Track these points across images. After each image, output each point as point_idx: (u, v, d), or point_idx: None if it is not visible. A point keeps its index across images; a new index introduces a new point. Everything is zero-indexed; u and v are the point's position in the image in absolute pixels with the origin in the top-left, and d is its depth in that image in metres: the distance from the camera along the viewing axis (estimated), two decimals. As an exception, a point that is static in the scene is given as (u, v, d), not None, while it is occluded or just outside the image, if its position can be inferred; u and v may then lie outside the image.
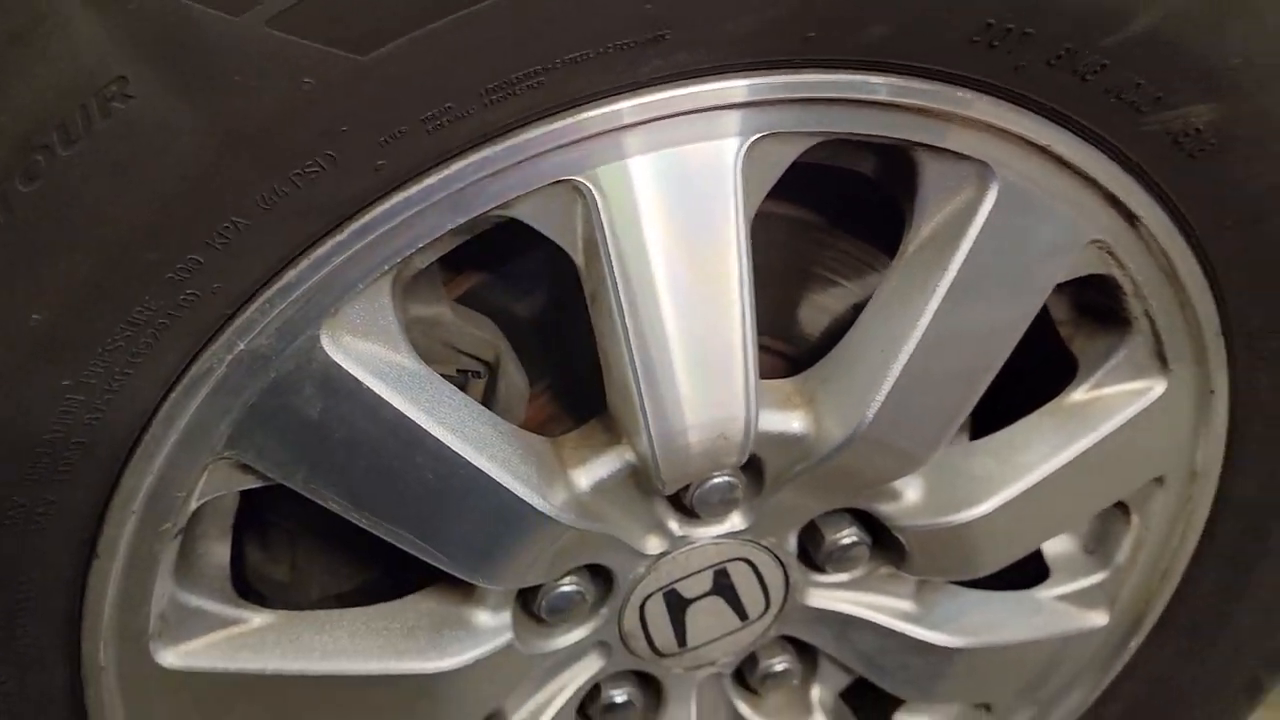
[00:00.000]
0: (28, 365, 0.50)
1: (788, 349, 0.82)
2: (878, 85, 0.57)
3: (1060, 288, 0.75)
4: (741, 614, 0.80)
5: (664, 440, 0.64)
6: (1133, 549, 0.88)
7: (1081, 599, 0.91)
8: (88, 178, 0.46)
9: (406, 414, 0.60)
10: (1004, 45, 0.55)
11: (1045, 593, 0.91)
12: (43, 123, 0.44)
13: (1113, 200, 0.65)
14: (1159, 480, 0.83)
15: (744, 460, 0.69)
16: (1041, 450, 0.77)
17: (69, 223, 0.47)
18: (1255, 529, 0.85)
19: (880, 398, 0.68)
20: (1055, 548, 0.92)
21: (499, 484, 0.64)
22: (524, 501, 0.65)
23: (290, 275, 0.54)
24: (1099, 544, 0.91)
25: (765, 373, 0.75)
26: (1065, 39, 0.55)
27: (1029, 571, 0.92)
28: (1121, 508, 0.87)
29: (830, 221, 0.79)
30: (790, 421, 0.71)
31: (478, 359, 0.71)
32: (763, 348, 0.81)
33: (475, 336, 0.70)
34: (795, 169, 0.62)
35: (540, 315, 0.77)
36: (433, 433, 0.61)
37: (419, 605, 0.74)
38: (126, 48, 0.43)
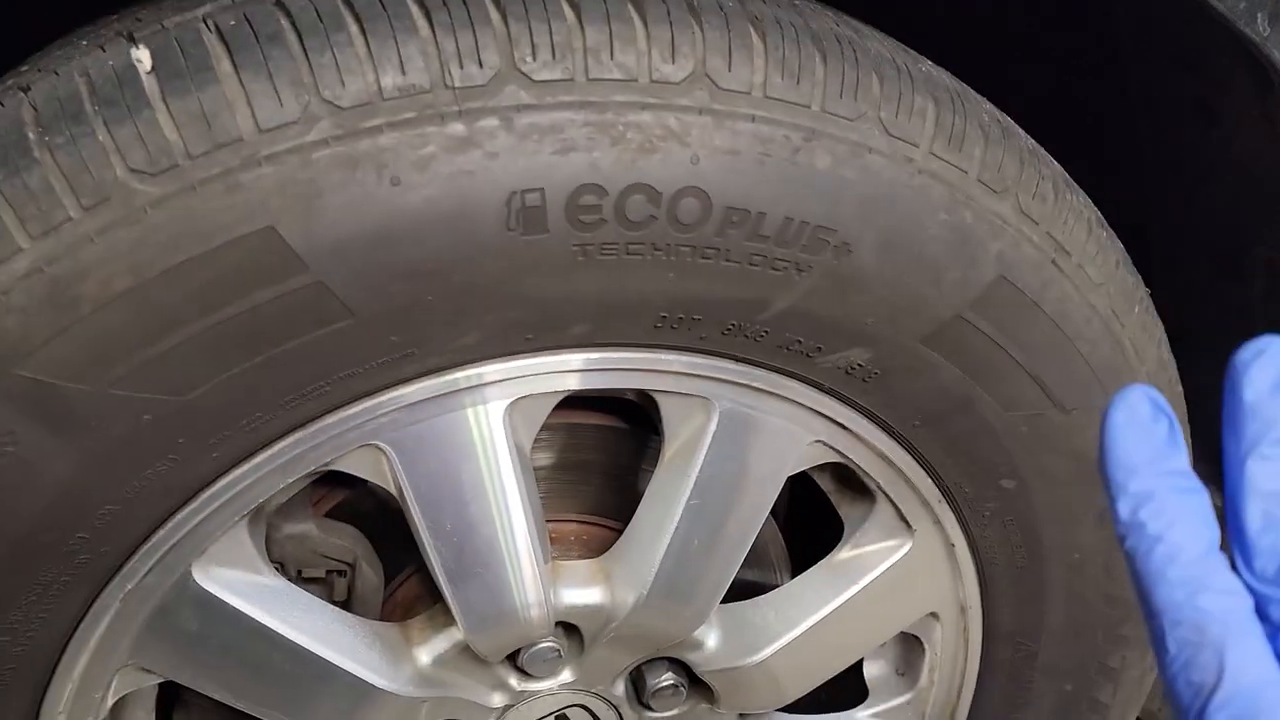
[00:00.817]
0: (-35, 620, 0.69)
1: (619, 526, 1.00)
2: (595, 359, 0.75)
3: (823, 466, 0.92)
4: (587, 749, 0.97)
5: (472, 627, 0.82)
6: (929, 671, 1.04)
7: (895, 715, 1.06)
8: (-5, 496, 0.65)
9: (264, 622, 0.79)
10: (682, 325, 0.74)
11: (864, 712, 1.07)
12: (-41, 467, 0.63)
13: (819, 413, 0.83)
14: (934, 615, 0.99)
15: (551, 630, 0.86)
16: (813, 601, 0.94)
17: (-16, 526, 0.66)
18: (1021, 647, 1.00)
19: (653, 571, 0.85)
20: (873, 671, 1.08)
21: (344, 670, 0.81)
22: (367, 682, 0.82)
23: (160, 534, 0.72)
24: (907, 667, 1.07)
25: (604, 546, 0.92)
26: (728, 319, 0.74)
27: (854, 692, 1.08)
28: (915, 637, 1.03)
29: (640, 425, 0.97)
30: (592, 594, 0.88)
31: (341, 561, 0.89)
32: (600, 526, 1.00)
33: (337, 545, 0.88)
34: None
35: (401, 515, 0.95)
36: (287, 635, 0.79)
37: (308, 762, 0.91)
38: (14, 412, 0.62)
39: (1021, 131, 0.80)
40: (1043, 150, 0.81)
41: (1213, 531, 0.40)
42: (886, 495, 0.91)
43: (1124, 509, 0.40)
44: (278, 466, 0.73)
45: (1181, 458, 0.41)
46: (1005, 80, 0.83)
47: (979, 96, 0.78)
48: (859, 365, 0.79)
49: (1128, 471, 0.40)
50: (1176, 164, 1.04)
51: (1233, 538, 0.41)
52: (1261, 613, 0.40)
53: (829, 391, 0.81)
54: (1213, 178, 1.00)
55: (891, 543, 0.94)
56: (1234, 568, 0.40)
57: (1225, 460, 0.41)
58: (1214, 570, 0.39)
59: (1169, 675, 0.38)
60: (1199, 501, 0.40)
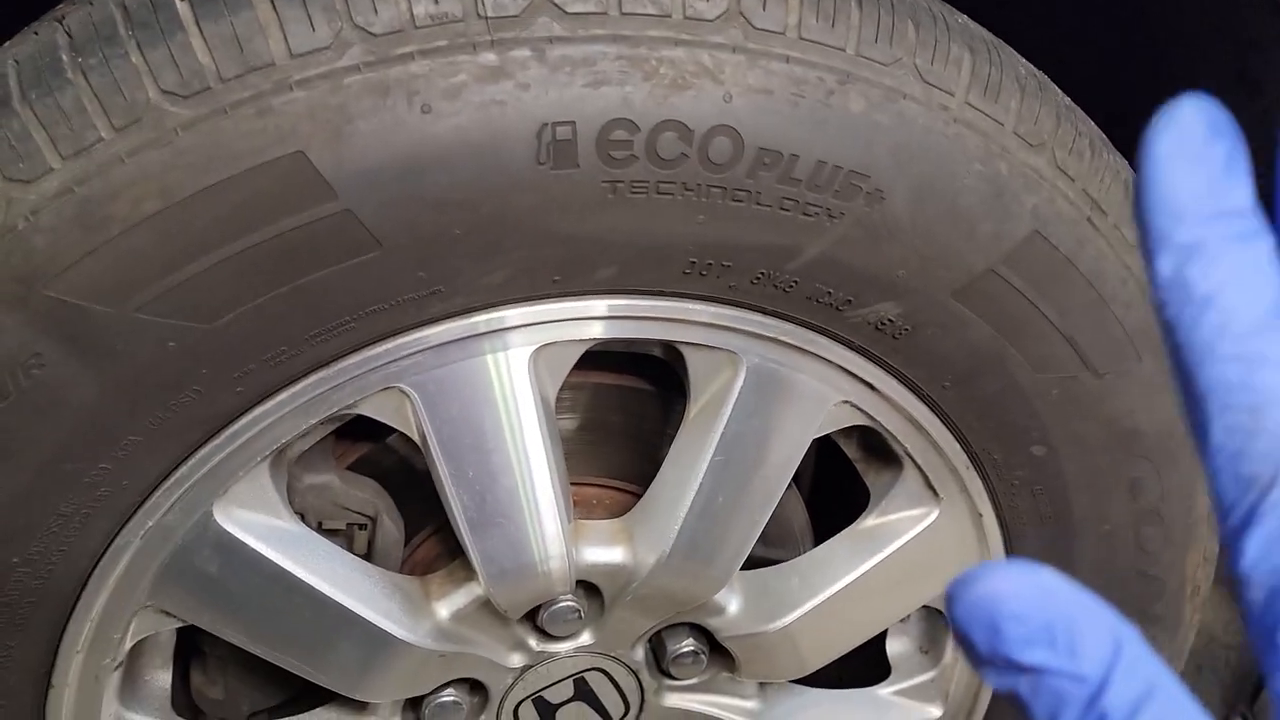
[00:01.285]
0: (-14, 549, 0.69)
1: (641, 491, 0.99)
2: (621, 306, 0.74)
3: (850, 431, 0.91)
4: (605, 716, 0.96)
5: (492, 579, 0.81)
6: (954, 648, 1.02)
7: (917, 693, 1.05)
8: (19, 419, 0.65)
9: (285, 567, 0.78)
10: (711, 272, 0.73)
11: (886, 689, 1.05)
12: (-17, 387, 0.63)
13: (847, 371, 0.82)
14: (959, 588, 0.98)
15: (572, 588, 0.85)
16: (838, 568, 0.93)
17: (7, 450, 0.66)
18: (1048, 627, 0.98)
19: (675, 531, 0.84)
20: (896, 647, 1.07)
21: (363, 618, 0.81)
22: (386, 631, 0.82)
23: (182, 471, 0.72)
24: (931, 644, 1.05)
25: (620, 510, 0.92)
26: (758, 267, 0.73)
27: (876, 669, 1.06)
28: (941, 613, 1.01)
29: (664, 388, 0.96)
30: (614, 553, 0.87)
31: (362, 514, 0.89)
32: (621, 490, 0.99)
33: (359, 497, 0.88)
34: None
35: (424, 472, 0.95)
36: (307, 580, 0.79)
37: (324, 716, 0.91)
38: (40, 333, 0.62)
39: (1057, 88, 0.79)
40: (1079, 109, 0.80)
41: (1275, 291, 0.30)
42: (914, 461, 0.89)
43: (1165, 266, 0.30)
44: (301, 405, 0.73)
45: (1243, 192, 0.30)
46: (1039, 51, 0.82)
47: (1014, 52, 0.77)
48: (889, 320, 0.77)
49: (1173, 217, 0.30)
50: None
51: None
52: None
53: (858, 349, 0.80)
54: (1253, 149, 0.98)
55: (918, 511, 0.92)
56: None
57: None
58: (1276, 340, 0.30)
59: (1213, 467, 0.30)
60: (1261, 250, 0.30)
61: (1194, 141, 0.29)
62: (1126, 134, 0.84)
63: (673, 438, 0.93)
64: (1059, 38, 0.91)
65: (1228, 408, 0.29)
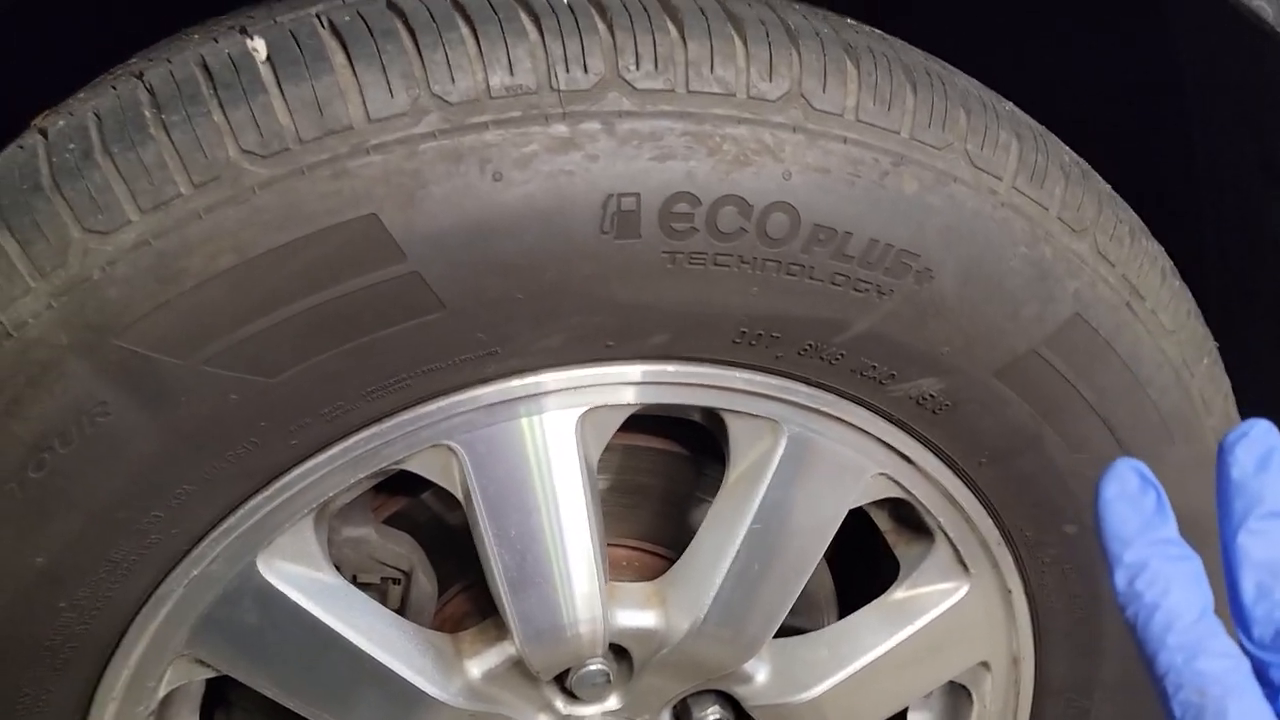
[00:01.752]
0: (33, 592, 0.69)
1: (671, 554, 0.99)
2: (670, 372, 0.76)
3: (882, 502, 0.92)
4: (628, 781, 0.95)
5: (527, 639, 0.81)
6: (976, 723, 1.02)
7: (939, 769, 1.04)
8: (79, 465, 0.65)
9: (323, 620, 0.78)
10: (760, 342, 0.74)
11: (907, 764, 1.05)
12: (48, 433, 0.64)
13: (885, 444, 0.83)
14: (985, 665, 0.98)
15: (603, 651, 0.86)
16: (867, 640, 0.93)
17: (65, 495, 0.66)
18: (1073, 704, 0.98)
19: (710, 597, 0.84)
20: (917, 720, 1.06)
21: (397, 674, 0.81)
22: (418, 688, 0.82)
23: (231, 521, 0.73)
24: (953, 718, 1.05)
25: (653, 575, 0.92)
26: (806, 339, 0.74)
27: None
28: (964, 688, 1.01)
29: (698, 452, 0.97)
30: (646, 617, 0.87)
31: (397, 569, 0.89)
32: (652, 554, 0.99)
33: (395, 552, 0.88)
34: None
35: (458, 528, 0.95)
36: (344, 634, 0.79)
37: (349, 771, 0.90)
38: (108, 382, 0.63)
39: (1099, 176, 0.81)
40: (1119, 196, 0.82)
41: (1206, 596, 0.43)
42: (946, 535, 0.90)
43: (1121, 580, 0.44)
44: (351, 460, 0.74)
45: (1170, 526, 0.45)
46: (1078, 139, 0.84)
47: (1058, 140, 0.79)
48: (930, 396, 0.79)
49: (1122, 543, 0.44)
50: (1240, 226, 1.05)
51: (1231, 607, 0.44)
52: (1261, 676, 0.43)
53: (898, 422, 0.81)
54: (1275, 239, 1.00)
55: (948, 585, 0.93)
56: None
57: (1220, 535, 0.45)
58: (1210, 634, 0.42)
59: None
60: (1191, 568, 0.44)
61: (1131, 489, 0.45)
62: (1160, 219, 0.86)
63: (704, 501, 0.94)
64: (1095, 126, 0.94)
65: (1180, 686, 0.41)
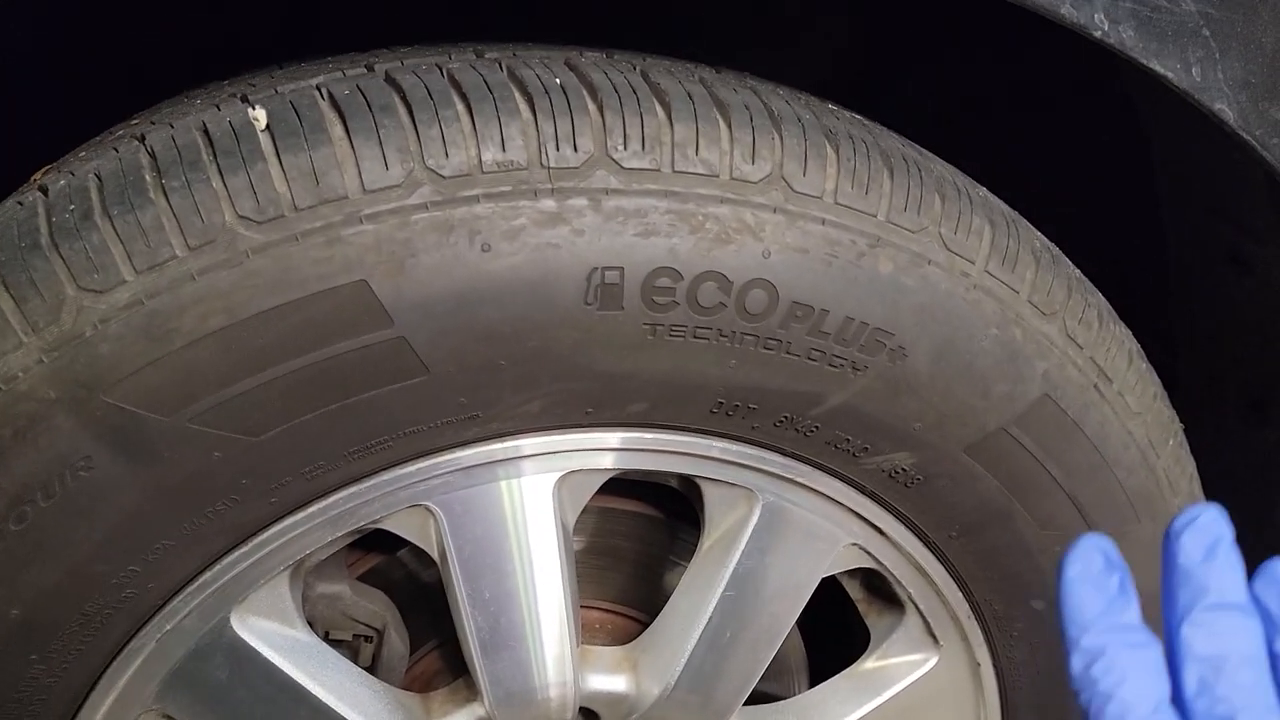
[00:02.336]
0: (5, 644, 0.69)
1: (644, 618, 1.00)
2: (648, 439, 0.77)
3: (854, 572, 0.93)
4: (594, 845, 0.95)
5: (498, 701, 0.82)
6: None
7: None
8: (60, 519, 0.66)
9: (294, 678, 0.78)
10: (737, 413, 0.76)
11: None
12: (31, 486, 0.65)
13: (858, 515, 0.84)
14: (953, 736, 0.99)
15: (573, 715, 0.86)
16: (836, 710, 0.93)
17: (44, 548, 0.67)
18: (1042, 778, 0.99)
19: (682, 664, 0.85)
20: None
21: (367, 734, 0.81)
22: (387, 749, 0.82)
23: (207, 576, 0.73)
24: (920, 791, 1.05)
25: (625, 638, 0.93)
26: (782, 411, 0.76)
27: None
28: (931, 760, 1.02)
29: (673, 516, 0.98)
30: (617, 682, 0.88)
31: (370, 626, 0.89)
32: (625, 616, 1.00)
33: (368, 609, 0.89)
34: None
35: (432, 586, 0.96)
36: (315, 693, 0.79)
37: (313, 832, 0.89)
38: (93, 437, 0.64)
39: (1069, 261, 0.83)
40: (1088, 281, 0.84)
41: (1163, 687, 0.42)
42: (917, 606, 0.91)
43: (1077, 664, 0.43)
44: (330, 519, 0.74)
45: (1132, 611, 0.43)
46: (1040, 223, 0.87)
47: (1030, 225, 0.82)
48: (903, 469, 0.80)
49: (1080, 627, 0.43)
50: (1207, 310, 1.08)
51: (1175, 699, 0.44)
52: None
53: (870, 494, 0.83)
54: (1243, 324, 1.03)
55: (917, 656, 0.94)
56: None
57: (1165, 625, 0.44)
58: None
59: None
60: (1150, 656, 0.42)
61: (1095, 570, 0.43)
62: (1129, 305, 0.89)
63: (678, 565, 0.95)
64: (1067, 213, 0.97)
65: None
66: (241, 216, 0.63)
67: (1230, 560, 0.45)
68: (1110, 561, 0.45)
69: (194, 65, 0.83)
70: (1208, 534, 0.44)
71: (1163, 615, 0.45)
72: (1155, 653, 0.43)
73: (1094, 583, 0.43)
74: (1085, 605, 0.43)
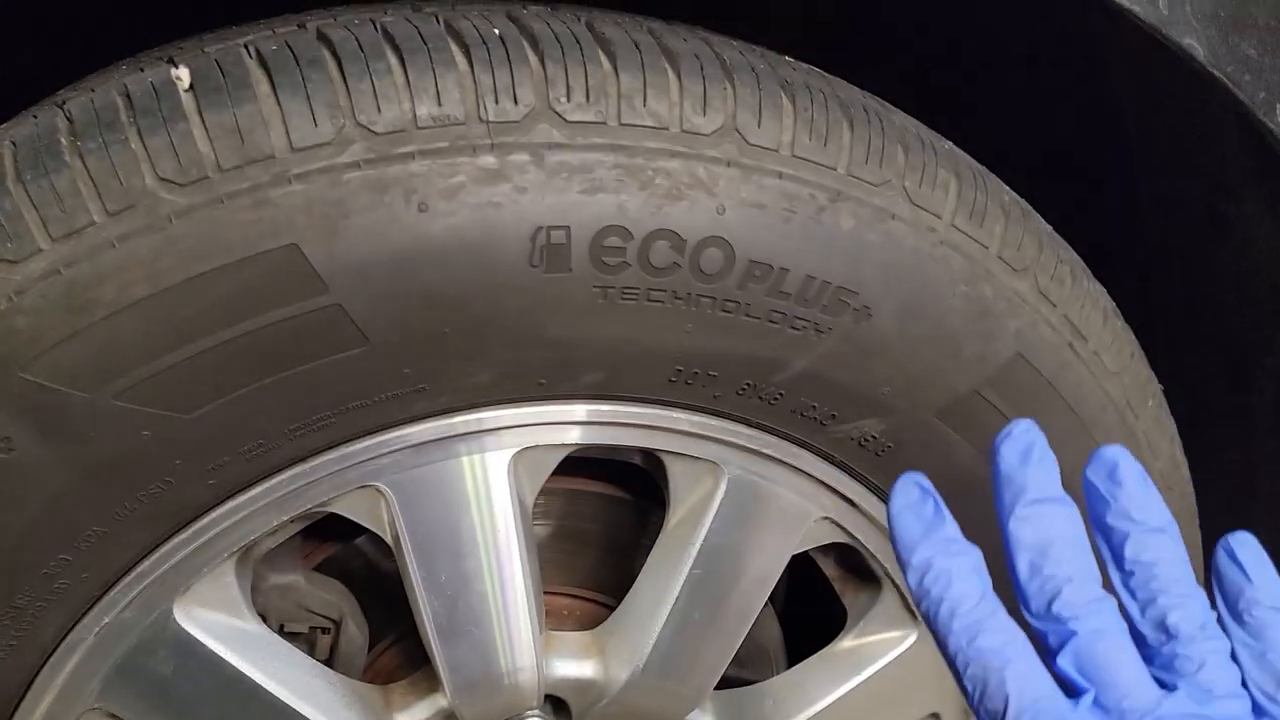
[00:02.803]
0: (-69, 641, 0.66)
1: (614, 603, 0.96)
2: (605, 412, 0.74)
3: (829, 548, 0.90)
4: (568, 838, 0.91)
5: (458, 690, 0.78)
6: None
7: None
8: (-20, 505, 0.63)
9: (244, 671, 0.75)
10: (697, 381, 0.73)
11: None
12: (-53, 470, 0.61)
13: (828, 487, 0.81)
14: (936, 717, 0.95)
15: (539, 703, 0.82)
16: (813, 691, 0.90)
17: (-35, 537, 0.63)
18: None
19: (649, 646, 0.82)
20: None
21: (322, 728, 0.77)
22: (343, 743, 0.78)
23: (145, 565, 0.70)
24: (905, 774, 1.02)
25: (591, 622, 0.89)
26: (743, 378, 0.73)
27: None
28: (916, 741, 0.98)
29: (642, 497, 0.95)
30: (584, 667, 0.85)
31: (326, 618, 0.86)
32: (592, 601, 0.96)
33: (324, 599, 0.85)
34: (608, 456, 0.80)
35: (392, 575, 0.92)
36: (266, 686, 0.76)
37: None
38: (12, 416, 0.61)
39: (1039, 216, 0.81)
40: (1059, 237, 0.82)
41: (984, 582, 0.48)
42: (893, 582, 0.88)
43: (912, 580, 0.48)
44: (274, 501, 0.71)
45: (948, 527, 0.50)
46: (1020, 182, 0.85)
47: (999, 180, 0.79)
48: (872, 437, 0.77)
49: (908, 548, 0.49)
50: (1186, 274, 1.05)
51: (1014, 587, 0.50)
52: (1042, 644, 0.48)
53: (840, 464, 0.80)
54: (1222, 288, 1.00)
55: (895, 634, 0.91)
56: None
57: (998, 523, 0.51)
58: (989, 614, 0.47)
59: (974, 709, 0.46)
60: (970, 560, 0.49)
61: (913, 500, 0.51)
62: (1104, 265, 0.86)
63: (648, 549, 0.92)
64: (1039, 169, 0.94)
65: (967, 664, 0.46)
66: (163, 179, 0.60)
67: (1044, 461, 0.51)
68: (925, 490, 0.51)
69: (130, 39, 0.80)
70: (1022, 441, 0.51)
71: (997, 517, 0.51)
72: (975, 557, 0.49)
73: (914, 510, 0.50)
74: (910, 529, 0.49)
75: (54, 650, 0.71)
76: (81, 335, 0.60)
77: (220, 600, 0.75)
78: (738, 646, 0.85)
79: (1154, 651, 0.48)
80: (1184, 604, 0.49)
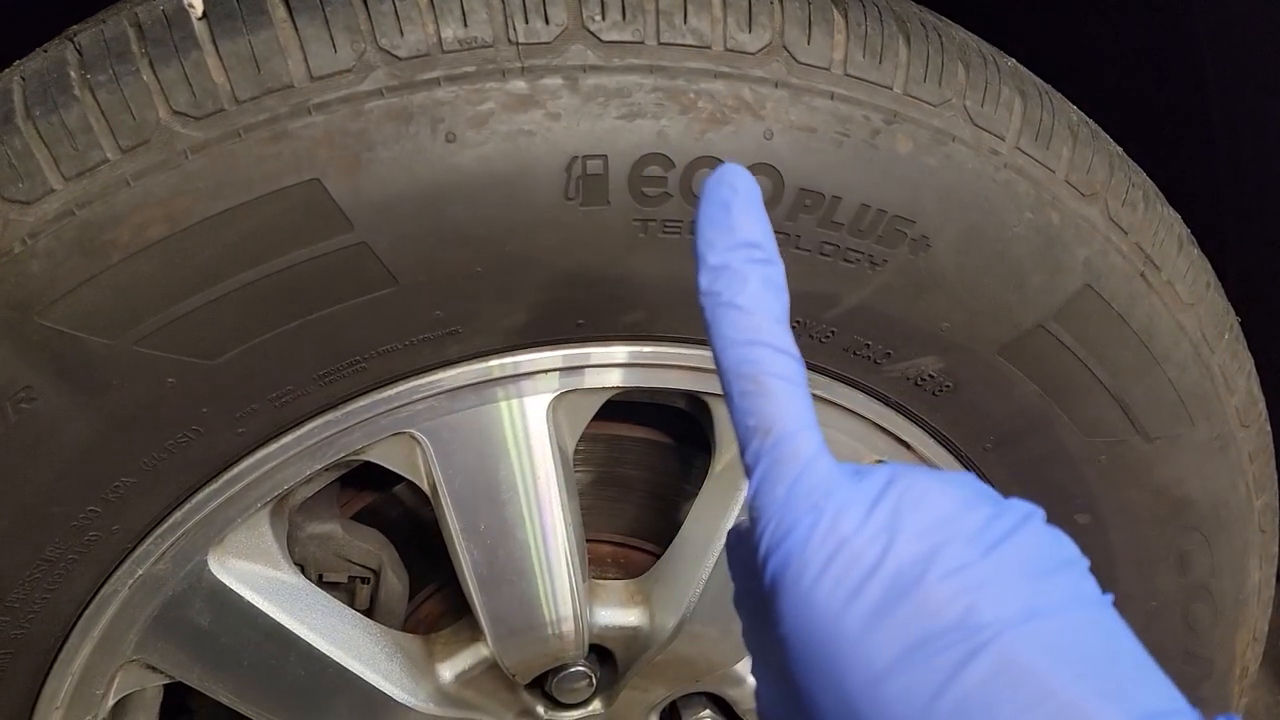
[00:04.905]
0: (-37, 595, 0.65)
1: (657, 549, 0.94)
2: (647, 353, 0.70)
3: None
4: (614, 789, 0.90)
5: (500, 640, 0.76)
6: None
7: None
8: (4, 456, 0.61)
9: (281, 622, 0.73)
10: (744, 320, 0.69)
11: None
12: (-31, 421, 0.59)
13: (882, 429, 0.77)
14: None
15: (584, 652, 0.80)
16: (866, 639, 0.87)
17: (-9, 489, 0.61)
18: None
19: (698, 593, 0.79)
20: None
21: (362, 679, 0.76)
22: (384, 694, 0.77)
23: (177, 516, 0.68)
24: None
25: (636, 571, 0.87)
26: (793, 315, 0.68)
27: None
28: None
29: (686, 443, 0.92)
30: (629, 616, 0.82)
31: (365, 567, 0.84)
32: (637, 549, 0.94)
33: (362, 549, 0.83)
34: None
35: (431, 524, 0.90)
36: (304, 637, 0.74)
37: (316, 782, 0.85)
38: (32, 364, 0.58)
39: (1109, 137, 0.75)
40: (1130, 159, 0.76)
41: (780, 300, 0.42)
42: (950, 526, 0.84)
43: (704, 280, 0.42)
44: (306, 449, 0.69)
45: (757, 230, 0.42)
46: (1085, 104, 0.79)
47: (1065, 99, 0.74)
48: (930, 376, 0.73)
49: (707, 245, 0.42)
50: (1263, 198, 0.99)
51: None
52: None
53: (895, 405, 0.76)
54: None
55: (952, 579, 0.87)
56: None
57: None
58: (774, 333, 0.41)
59: (735, 421, 0.41)
60: (770, 272, 0.42)
61: (724, 195, 0.42)
62: (1176, 190, 0.81)
63: (694, 495, 0.89)
64: (1106, 89, 0.88)
65: (740, 376, 0.41)
66: (177, 112, 0.56)
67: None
68: (739, 186, 0.42)
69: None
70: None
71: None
72: (776, 270, 0.42)
73: (722, 206, 0.42)
74: (715, 225, 0.42)
75: (89, 603, 0.69)
76: (99, 279, 0.57)
77: (256, 551, 0.73)
78: (788, 594, 0.82)
79: None
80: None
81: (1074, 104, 0.74)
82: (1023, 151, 0.68)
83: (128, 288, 0.58)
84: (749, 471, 0.41)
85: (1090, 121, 0.74)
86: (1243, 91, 0.92)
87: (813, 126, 0.62)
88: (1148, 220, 0.73)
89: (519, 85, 0.58)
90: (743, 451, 0.42)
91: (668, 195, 0.62)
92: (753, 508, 0.41)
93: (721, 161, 0.61)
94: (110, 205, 0.57)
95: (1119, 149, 0.75)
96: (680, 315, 0.68)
